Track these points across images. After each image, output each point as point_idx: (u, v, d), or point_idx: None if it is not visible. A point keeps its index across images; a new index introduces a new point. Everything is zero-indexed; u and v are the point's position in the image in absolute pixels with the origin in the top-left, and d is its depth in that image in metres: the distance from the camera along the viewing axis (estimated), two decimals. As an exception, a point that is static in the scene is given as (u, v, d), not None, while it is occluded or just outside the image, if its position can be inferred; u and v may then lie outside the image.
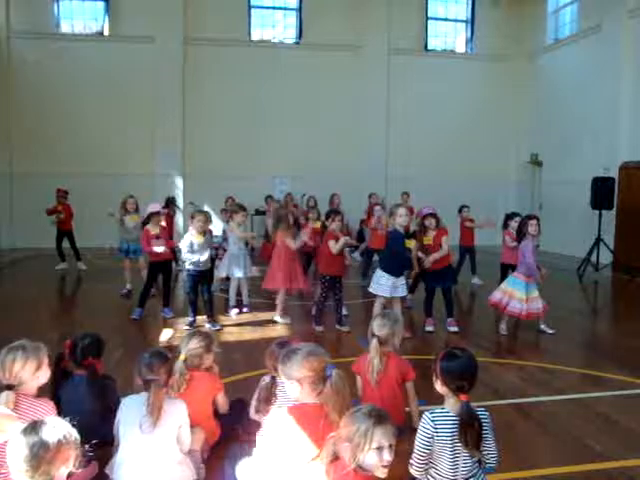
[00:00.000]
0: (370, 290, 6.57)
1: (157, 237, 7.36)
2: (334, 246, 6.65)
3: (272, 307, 7.48)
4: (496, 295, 6.96)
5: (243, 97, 15.08)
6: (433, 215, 6.94)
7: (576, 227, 12.96)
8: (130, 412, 3.22)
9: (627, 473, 3.56)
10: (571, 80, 14.17)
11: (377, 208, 9.19)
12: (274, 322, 7.20)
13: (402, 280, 6.52)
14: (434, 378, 2.91)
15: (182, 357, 3.64)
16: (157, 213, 7.56)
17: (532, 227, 6.73)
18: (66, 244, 11.27)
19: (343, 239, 6.71)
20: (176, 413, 3.26)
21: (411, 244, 6.35)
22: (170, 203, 10.69)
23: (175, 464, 3.21)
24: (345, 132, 15.50)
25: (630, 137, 12.32)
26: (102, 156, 14.40)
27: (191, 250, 6.80)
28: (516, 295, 6.74)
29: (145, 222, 7.55)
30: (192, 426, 3.36)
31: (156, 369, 3.26)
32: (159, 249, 7.29)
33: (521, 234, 6.84)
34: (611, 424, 4.32)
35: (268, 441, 2.93)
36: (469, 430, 2.70)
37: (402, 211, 6.45)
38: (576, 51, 14.15)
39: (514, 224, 7.78)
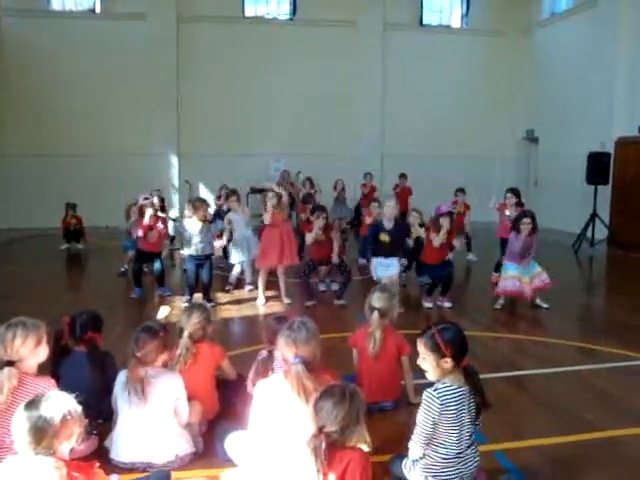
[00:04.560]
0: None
1: (150, 228, 7.44)
2: (308, 236, 7.09)
3: (272, 284, 7.45)
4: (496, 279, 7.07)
5: (237, 74, 14.91)
6: (450, 214, 6.97)
7: (572, 202, 12.94)
8: (123, 386, 3.27)
9: (618, 442, 3.62)
10: (567, 55, 14.03)
11: (374, 205, 9.36)
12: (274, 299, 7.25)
13: (392, 260, 6.75)
14: (425, 357, 2.86)
15: (186, 333, 3.68)
16: (147, 204, 7.66)
17: (524, 225, 6.68)
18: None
19: (312, 234, 7.03)
20: (171, 386, 3.29)
21: (385, 239, 6.73)
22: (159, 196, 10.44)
23: (172, 437, 3.25)
24: (340, 109, 15.34)
25: (626, 112, 12.23)
26: (97, 135, 14.23)
27: (191, 235, 6.98)
28: (509, 274, 6.77)
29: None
30: (190, 399, 3.40)
31: (141, 344, 3.30)
32: (151, 238, 7.45)
33: (515, 227, 6.80)
34: (604, 396, 4.38)
35: (262, 407, 2.96)
36: (478, 394, 2.78)
37: (390, 203, 6.90)
38: (572, 26, 13.98)
39: (509, 196, 7.94)
